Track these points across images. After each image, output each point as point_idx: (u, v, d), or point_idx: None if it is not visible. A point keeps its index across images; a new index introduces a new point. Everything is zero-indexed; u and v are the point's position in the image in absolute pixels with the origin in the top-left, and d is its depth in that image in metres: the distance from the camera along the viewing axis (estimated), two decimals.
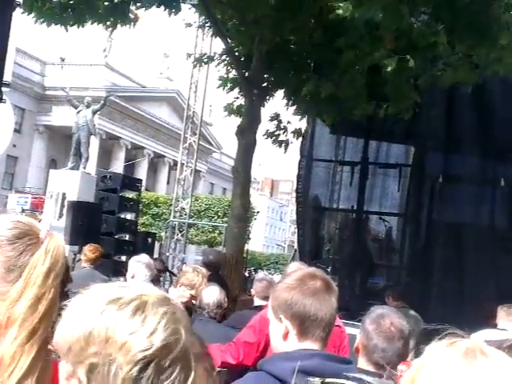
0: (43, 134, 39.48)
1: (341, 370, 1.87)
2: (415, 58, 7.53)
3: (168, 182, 44.41)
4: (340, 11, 6.52)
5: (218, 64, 12.46)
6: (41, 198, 21.19)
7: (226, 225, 16.32)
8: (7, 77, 4.69)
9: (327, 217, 13.45)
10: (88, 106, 16.08)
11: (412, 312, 6.95)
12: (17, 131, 34.12)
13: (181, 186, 20.91)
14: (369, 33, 7.58)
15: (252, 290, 5.28)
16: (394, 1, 6.89)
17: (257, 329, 3.79)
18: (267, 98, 11.54)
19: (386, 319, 2.58)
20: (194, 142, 20.95)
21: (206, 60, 14.40)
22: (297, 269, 2.35)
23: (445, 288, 10.89)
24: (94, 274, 6.71)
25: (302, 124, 12.58)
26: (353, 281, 12.43)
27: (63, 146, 34.94)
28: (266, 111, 11.82)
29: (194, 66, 18.30)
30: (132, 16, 9.77)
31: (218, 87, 12.03)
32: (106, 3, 9.33)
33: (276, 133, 11.91)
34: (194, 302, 4.70)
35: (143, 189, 23.88)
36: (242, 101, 11.86)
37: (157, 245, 20.35)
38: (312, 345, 1.95)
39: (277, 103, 11.90)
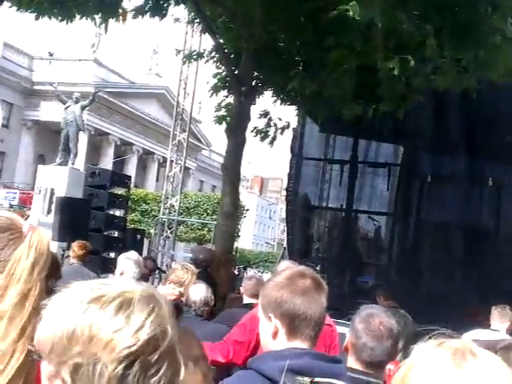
0: (31, 130, 39.21)
1: (330, 369, 1.87)
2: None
3: (157, 179, 44.25)
4: (350, 12, 6.52)
5: (208, 61, 12.44)
6: (29, 194, 21.07)
7: (215, 222, 16.29)
8: None
9: (316, 215, 13.47)
10: (76, 102, 15.99)
11: (402, 312, 6.97)
12: (4, 126, 33.93)
13: (170, 182, 20.86)
14: (362, 33, 7.58)
15: (241, 287, 5.28)
16: (391, 4, 6.91)
17: (247, 328, 3.78)
18: (257, 95, 11.53)
19: (375, 318, 2.58)
20: (184, 139, 20.89)
21: (195, 57, 14.37)
22: (287, 267, 2.34)
23: (433, 287, 10.95)
24: (83, 270, 6.66)
25: (291, 118, 12.59)
26: (342, 279, 12.46)
27: (51, 142, 34.65)
28: (256, 109, 11.83)
29: (184, 63, 18.25)
30: (121, 11, 9.72)
31: (211, 96, 11.99)
32: None
33: (265, 130, 11.90)
34: (182, 299, 4.69)
35: (132, 185, 23.82)
36: (231, 99, 11.84)
37: (146, 242, 20.31)
38: (301, 344, 1.95)
39: (266, 101, 11.91)
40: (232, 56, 11.02)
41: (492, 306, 5.67)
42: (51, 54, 40.77)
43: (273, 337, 1.97)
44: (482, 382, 1.00)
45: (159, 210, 21.79)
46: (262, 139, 11.91)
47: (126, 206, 14.90)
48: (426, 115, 11.04)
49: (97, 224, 12.73)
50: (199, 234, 29.49)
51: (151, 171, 46.33)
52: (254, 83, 11.03)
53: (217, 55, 11.94)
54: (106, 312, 0.98)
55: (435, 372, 1.03)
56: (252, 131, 11.75)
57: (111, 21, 9.63)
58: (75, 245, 7.11)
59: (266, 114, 11.97)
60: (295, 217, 12.92)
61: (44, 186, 13.87)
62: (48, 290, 1.39)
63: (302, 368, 1.81)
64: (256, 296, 3.43)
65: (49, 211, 13.20)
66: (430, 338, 1.11)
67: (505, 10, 7.45)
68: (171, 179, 20.87)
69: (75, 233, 9.91)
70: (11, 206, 20.86)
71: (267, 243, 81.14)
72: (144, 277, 6.31)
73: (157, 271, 14.10)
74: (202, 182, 54.47)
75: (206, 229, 28.15)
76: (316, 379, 1.75)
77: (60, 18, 9.30)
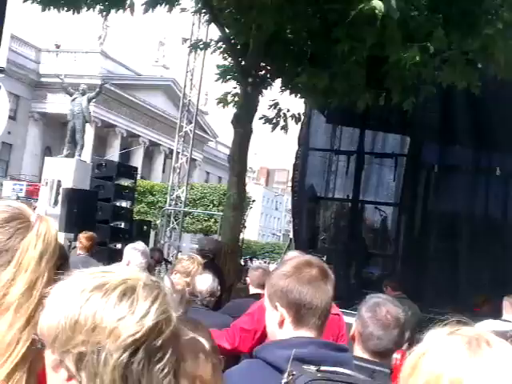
0: (38, 122, 39.31)
1: (336, 358, 1.87)
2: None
3: (163, 171, 44.31)
4: (376, 10, 6.52)
5: (214, 51, 12.39)
6: (36, 186, 21.12)
7: (221, 213, 16.31)
8: (2, 63, 4.66)
9: (323, 206, 13.46)
10: (83, 94, 16.01)
11: (409, 301, 6.97)
12: (12, 118, 33.93)
13: (176, 174, 20.88)
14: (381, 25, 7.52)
15: (247, 278, 5.28)
16: None
17: (255, 317, 3.78)
18: (265, 86, 11.48)
19: (382, 307, 2.58)
20: (190, 130, 20.89)
21: (201, 46, 14.31)
22: (294, 257, 2.33)
23: (439, 277, 10.93)
24: (89, 261, 6.68)
25: (301, 109, 12.51)
26: (348, 270, 12.46)
27: (58, 134, 34.77)
28: (265, 99, 11.77)
29: (190, 52, 18.20)
30: (128, 3, 9.70)
31: (216, 80, 11.95)
32: None
33: (275, 120, 11.84)
34: (188, 289, 4.69)
35: (139, 177, 23.85)
36: (238, 90, 11.79)
37: (152, 233, 20.34)
38: (307, 333, 1.95)
39: (276, 91, 11.83)
40: (239, 47, 10.97)
41: (504, 296, 5.63)
42: (58, 46, 40.81)
43: (279, 326, 1.97)
44: (498, 370, 0.99)
45: (165, 202, 21.84)
46: (273, 129, 11.84)
47: (133, 197, 14.92)
48: (433, 105, 10.97)
49: (103, 215, 12.77)
50: (205, 225, 29.54)
51: (157, 163, 46.40)
52: (261, 74, 10.98)
53: (223, 46, 11.90)
54: (109, 300, 0.98)
55: (450, 360, 1.01)
56: (260, 118, 11.69)
57: (118, 12, 9.61)
58: (82, 236, 7.14)
59: (275, 105, 11.91)
60: (301, 208, 12.91)
61: (51, 177, 13.92)
62: (56, 281, 1.39)
63: (308, 357, 1.81)
64: (262, 286, 3.43)
65: (56, 203, 13.25)
66: (441, 325, 1.10)
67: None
68: (177, 170, 20.89)
69: (82, 224, 9.95)
70: (18, 198, 20.90)
71: (273, 234, 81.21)
72: (151, 267, 6.34)
73: (163, 262, 14.15)
74: (208, 173, 54.50)
75: (213, 220, 28.22)
76: (322, 368, 1.75)
77: (66, 8, 9.28)
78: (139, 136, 43.15)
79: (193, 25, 18.09)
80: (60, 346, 0.98)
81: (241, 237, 12.97)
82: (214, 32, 12.75)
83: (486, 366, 1.00)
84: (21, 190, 23.01)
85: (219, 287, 4.65)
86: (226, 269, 8.64)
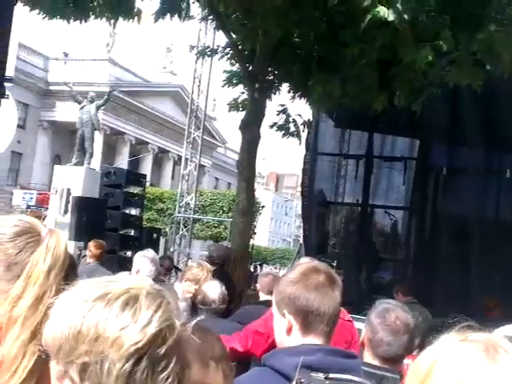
0: (47, 130, 39.53)
1: (345, 365, 1.85)
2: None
3: (172, 177, 44.41)
4: (385, 17, 6.53)
5: (222, 57, 12.43)
6: (46, 194, 21.20)
7: (231, 219, 16.30)
8: (10, 72, 4.68)
9: (332, 211, 13.44)
10: (92, 101, 16.07)
11: (420, 307, 6.92)
12: (21, 127, 34.15)
13: (185, 181, 20.90)
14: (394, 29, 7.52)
15: (257, 284, 5.26)
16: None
17: (269, 322, 3.75)
18: (273, 91, 11.49)
19: (391, 313, 2.57)
20: (198, 136, 20.92)
21: (209, 53, 14.36)
22: (301, 263, 2.32)
23: (450, 281, 10.86)
24: (99, 269, 6.70)
25: (309, 113, 12.50)
26: (358, 275, 12.42)
27: (68, 142, 34.95)
28: (273, 104, 11.78)
29: (197, 59, 18.25)
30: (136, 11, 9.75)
31: (223, 86, 11.98)
32: None
33: (286, 126, 11.84)
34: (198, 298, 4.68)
35: (148, 184, 23.90)
36: (246, 95, 11.81)
37: (162, 240, 20.37)
38: (316, 340, 1.93)
39: (284, 96, 11.83)
40: (246, 52, 10.99)
41: None
42: (66, 55, 41.08)
43: (287, 333, 1.96)
44: None
45: (175, 209, 21.84)
46: (284, 135, 11.85)
47: (142, 204, 14.95)
48: (442, 107, 10.93)
49: (113, 223, 12.79)
50: (215, 231, 29.53)
51: (166, 169, 46.51)
52: (268, 79, 10.99)
53: (231, 52, 11.92)
54: (112, 309, 0.98)
55: (468, 368, 0.98)
56: (272, 127, 11.70)
57: (126, 20, 9.66)
58: (92, 244, 7.16)
59: (284, 111, 11.91)
60: (311, 213, 12.88)
61: (60, 186, 13.98)
62: (62, 291, 1.39)
63: (316, 364, 1.79)
64: (272, 293, 3.40)
65: (65, 211, 13.29)
66: (449, 330, 1.08)
67: None
68: (186, 177, 20.91)
69: (92, 232, 9.98)
70: (28, 207, 21.03)
71: (283, 240, 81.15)
72: (161, 275, 6.34)
73: (173, 270, 14.15)
74: (217, 179, 54.58)
75: (222, 226, 28.18)
76: (330, 375, 1.73)
77: (73, 18, 9.33)
78: (148, 143, 43.30)
79: (199, 31, 18.14)
80: (64, 357, 0.98)
81: (250, 243, 12.94)
82: (221, 38, 12.78)
83: (508, 373, 0.97)
84: (31, 198, 23.09)
85: (227, 293, 4.64)
86: (236, 275, 8.63)
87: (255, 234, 16.59)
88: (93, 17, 9.45)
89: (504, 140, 10.70)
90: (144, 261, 5.17)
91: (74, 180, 14.06)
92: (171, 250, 19.86)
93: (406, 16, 6.72)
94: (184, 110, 33.94)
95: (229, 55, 12.08)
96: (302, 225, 15.01)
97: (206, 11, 11.93)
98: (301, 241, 14.90)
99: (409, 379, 1.07)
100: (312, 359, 1.80)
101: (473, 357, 0.99)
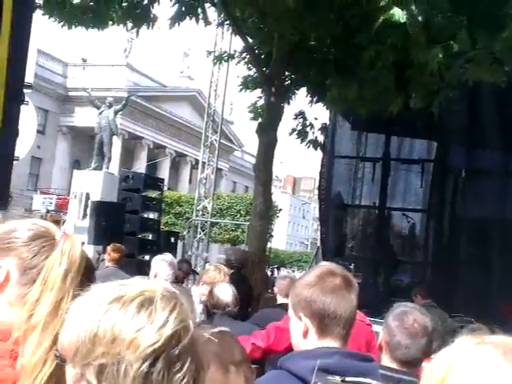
0: (66, 135, 39.89)
1: (361, 368, 1.85)
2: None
3: (190, 181, 44.55)
4: (396, 18, 6.53)
5: (238, 62, 12.47)
6: (65, 199, 21.39)
7: (248, 223, 16.31)
8: (29, 78, 4.73)
9: (350, 214, 13.38)
10: (110, 107, 16.21)
11: (439, 310, 6.87)
12: (40, 132, 34.48)
13: (203, 184, 20.96)
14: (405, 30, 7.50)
15: (275, 287, 5.26)
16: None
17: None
18: (290, 95, 11.50)
19: (409, 316, 2.56)
20: (215, 140, 20.97)
21: (226, 58, 14.41)
22: (317, 266, 2.32)
23: (470, 284, 10.76)
24: (118, 273, 6.73)
25: (327, 117, 12.49)
26: (376, 278, 12.36)
27: (86, 147, 35.20)
28: (291, 109, 11.79)
29: (214, 64, 18.31)
30: (152, 17, 9.82)
31: (240, 91, 12.03)
32: (125, 4, 9.40)
33: (303, 131, 11.84)
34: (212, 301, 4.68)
35: (165, 188, 24.01)
36: (263, 100, 11.83)
37: (180, 244, 20.43)
38: (332, 343, 1.93)
39: (301, 101, 11.83)
40: (263, 57, 11.01)
41: None
42: (85, 60, 41.46)
43: (303, 336, 1.96)
44: None
45: (192, 212, 21.90)
46: (302, 141, 11.85)
47: (160, 208, 15.00)
48: (460, 109, 10.84)
49: (131, 227, 12.86)
50: (233, 235, 29.57)
51: (184, 173, 46.67)
52: (285, 83, 11.00)
53: (247, 56, 11.96)
54: (128, 311, 0.99)
55: (488, 372, 0.96)
56: (291, 134, 11.71)
57: (144, 28, 9.75)
58: (110, 248, 7.19)
59: (301, 114, 11.90)
60: (328, 216, 12.85)
61: (79, 190, 14.10)
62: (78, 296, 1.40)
63: (332, 367, 1.79)
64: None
65: (84, 215, 13.41)
66: (465, 333, 1.06)
67: None
68: (204, 181, 20.97)
69: (110, 236, 10.03)
70: (48, 212, 21.23)
71: (301, 243, 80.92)
72: (179, 279, 6.36)
73: (191, 273, 14.19)
74: (234, 183, 54.63)
75: (240, 230, 28.21)
76: (347, 378, 1.73)
77: (92, 25, 9.43)
78: (165, 147, 43.49)
79: (216, 36, 18.20)
80: (81, 360, 0.99)
81: (268, 246, 12.94)
82: (238, 42, 12.83)
83: None
84: (50, 203, 23.32)
85: (238, 295, 4.63)
86: (253, 278, 8.62)
87: (272, 237, 16.59)
88: (110, 23, 9.56)
89: None
90: (162, 264, 5.18)
91: (93, 184, 14.18)
92: (189, 253, 19.91)
93: (420, 18, 6.70)
94: (201, 114, 34.05)
95: (245, 60, 12.13)
96: (319, 228, 14.98)
97: (222, 16, 11.98)
98: (318, 244, 14.85)
99: (424, 383, 1.06)
100: (329, 362, 1.80)
101: (491, 360, 0.97)
